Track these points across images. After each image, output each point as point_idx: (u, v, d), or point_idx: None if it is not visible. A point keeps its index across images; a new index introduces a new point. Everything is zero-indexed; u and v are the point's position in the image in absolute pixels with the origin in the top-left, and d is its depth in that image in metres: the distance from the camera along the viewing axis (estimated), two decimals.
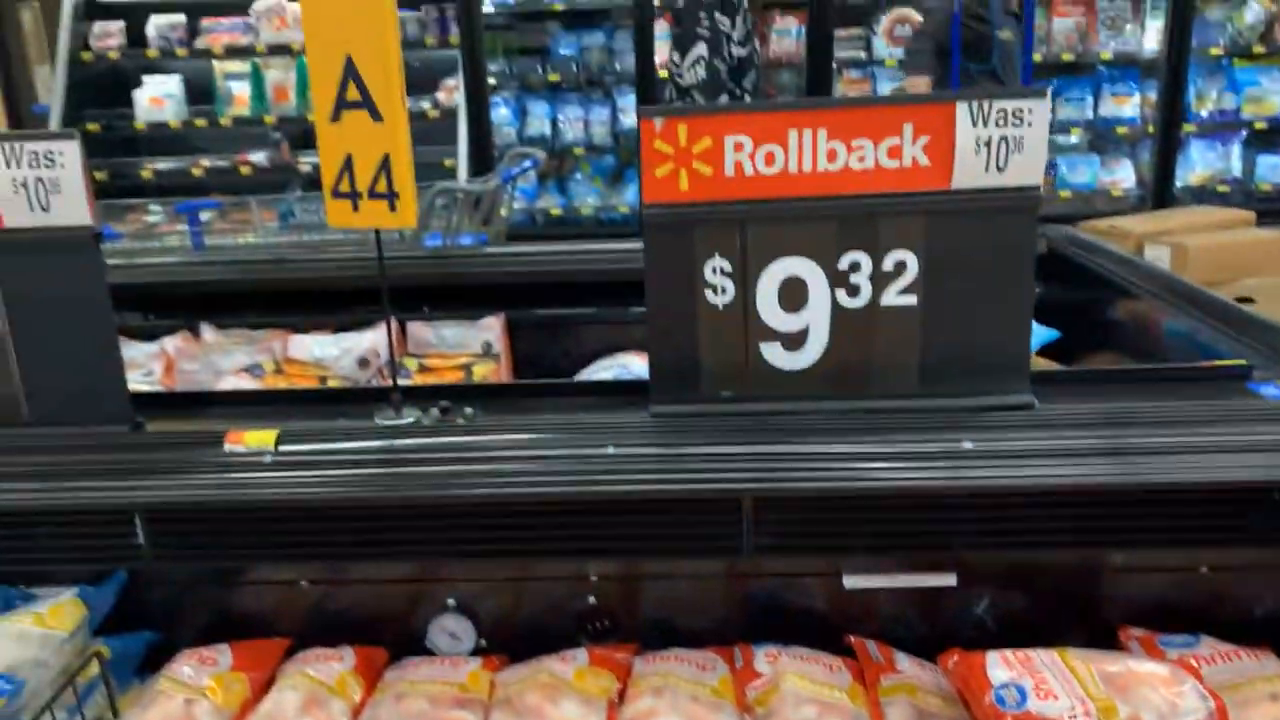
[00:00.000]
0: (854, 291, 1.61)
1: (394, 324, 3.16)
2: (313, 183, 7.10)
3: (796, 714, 1.39)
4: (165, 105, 7.37)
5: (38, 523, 1.62)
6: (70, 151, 1.59)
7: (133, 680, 1.62)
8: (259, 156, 7.33)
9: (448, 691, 1.51)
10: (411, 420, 1.69)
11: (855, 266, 1.60)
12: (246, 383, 2.70)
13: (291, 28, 7.25)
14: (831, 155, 1.56)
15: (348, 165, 1.54)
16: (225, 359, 2.95)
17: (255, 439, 1.60)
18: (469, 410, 1.71)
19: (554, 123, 7.36)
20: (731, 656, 1.59)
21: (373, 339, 3.03)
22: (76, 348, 1.68)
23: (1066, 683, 1.34)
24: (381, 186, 1.54)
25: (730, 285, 1.62)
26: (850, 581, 1.61)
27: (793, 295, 1.62)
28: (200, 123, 7.31)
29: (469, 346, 3.11)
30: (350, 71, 1.49)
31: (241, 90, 7.38)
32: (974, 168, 1.56)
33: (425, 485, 1.57)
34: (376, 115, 1.50)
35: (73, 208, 1.61)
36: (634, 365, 2.93)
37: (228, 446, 1.60)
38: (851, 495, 1.53)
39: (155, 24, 7.24)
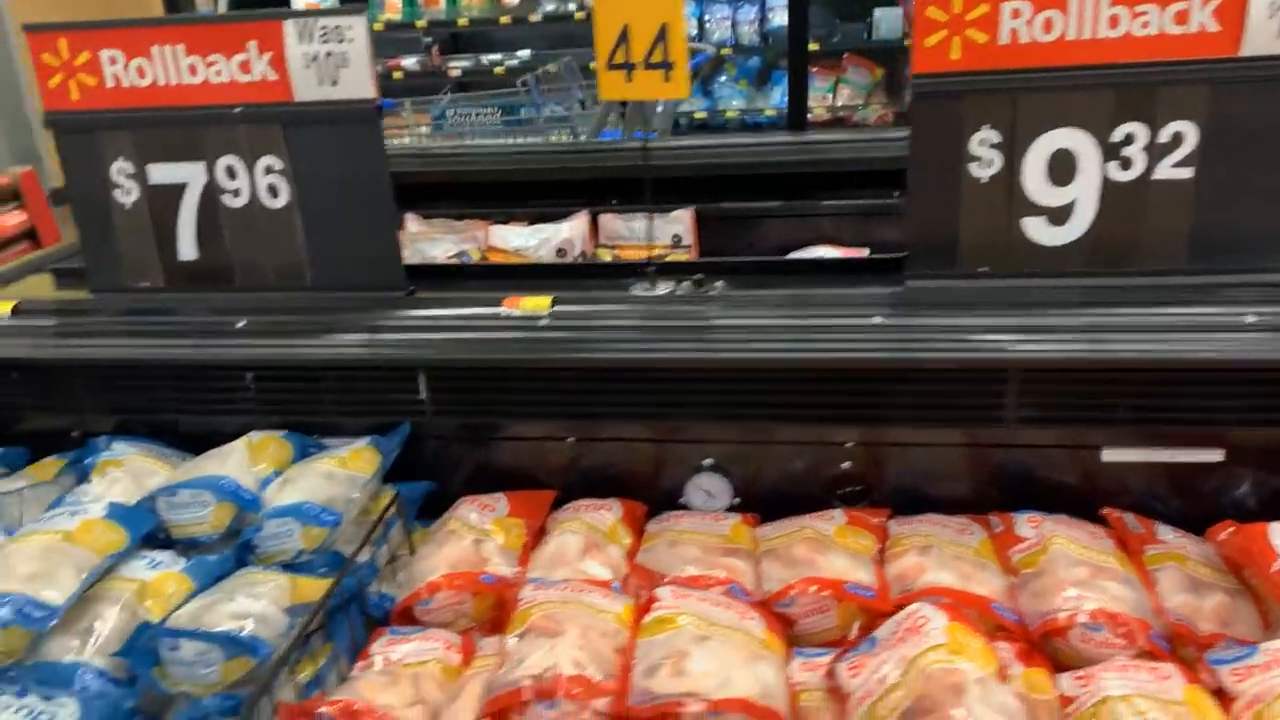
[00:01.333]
0: (1126, 164, 1.58)
1: (586, 216, 3.25)
2: (461, 86, 7.20)
3: (1068, 574, 1.43)
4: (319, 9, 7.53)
5: (328, 377, 1.76)
6: (358, 26, 1.67)
7: (414, 523, 1.76)
8: (410, 61, 7.46)
9: (715, 541, 1.60)
10: (667, 291, 1.75)
11: (1129, 138, 1.57)
12: None
13: None
14: (1113, 21, 1.53)
15: (624, 37, 1.58)
16: (432, 246, 3.07)
17: (531, 304, 1.69)
18: (720, 283, 1.76)
19: (700, 21, 7.24)
20: (988, 523, 1.63)
21: (568, 230, 3.10)
22: (357, 217, 1.78)
23: None
24: (657, 56, 1.58)
25: (997, 157, 1.61)
26: (1110, 455, 1.62)
27: (1061, 168, 1.60)
28: None
29: (659, 238, 3.16)
30: None
31: None
32: (1267, 32, 1.50)
33: (689, 349, 1.64)
34: None
35: (359, 81, 1.70)
36: (831, 255, 2.94)
37: (504, 310, 1.70)
38: (1120, 366, 1.53)
39: None
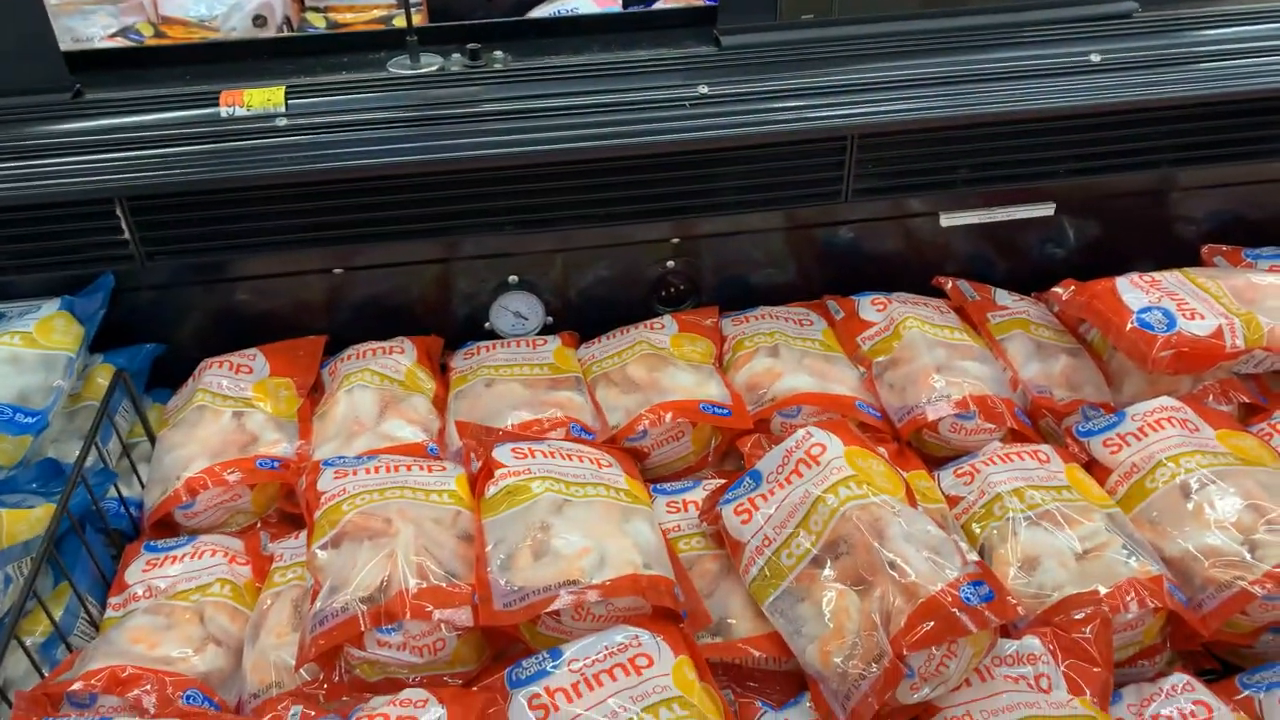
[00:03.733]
0: None
1: None
2: None
3: (930, 358, 1.32)
4: None
5: None
6: None
7: (147, 401, 1.38)
8: None
9: (539, 373, 1.35)
10: (435, 68, 1.39)
11: None
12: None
13: None
14: None
15: None
16: (84, 23, 2.41)
17: (259, 98, 1.28)
18: (499, 54, 1.41)
19: None
20: (826, 309, 1.48)
21: None
22: None
23: (1203, 301, 1.31)
24: None
25: None
26: (948, 220, 1.50)
27: None
28: None
29: None
30: None
31: None
32: None
33: (472, 144, 1.31)
34: None
35: None
36: (582, 4, 2.59)
37: (225, 110, 1.28)
38: (966, 123, 1.38)
39: None
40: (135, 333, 1.41)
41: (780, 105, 1.36)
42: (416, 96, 1.34)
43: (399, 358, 1.38)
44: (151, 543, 1.17)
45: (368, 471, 1.11)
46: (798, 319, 1.46)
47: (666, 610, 0.99)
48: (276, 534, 1.21)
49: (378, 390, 1.31)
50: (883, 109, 1.36)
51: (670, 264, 1.49)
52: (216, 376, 1.34)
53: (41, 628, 1.05)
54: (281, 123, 1.28)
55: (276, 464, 1.22)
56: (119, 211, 1.30)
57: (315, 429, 1.30)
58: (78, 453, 1.20)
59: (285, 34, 2.38)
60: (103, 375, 1.31)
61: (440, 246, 1.44)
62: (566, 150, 1.33)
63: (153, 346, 1.40)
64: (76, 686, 0.93)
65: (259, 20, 2.49)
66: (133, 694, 0.94)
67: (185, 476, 1.19)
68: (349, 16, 2.57)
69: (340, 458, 1.17)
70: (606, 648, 0.93)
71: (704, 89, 1.33)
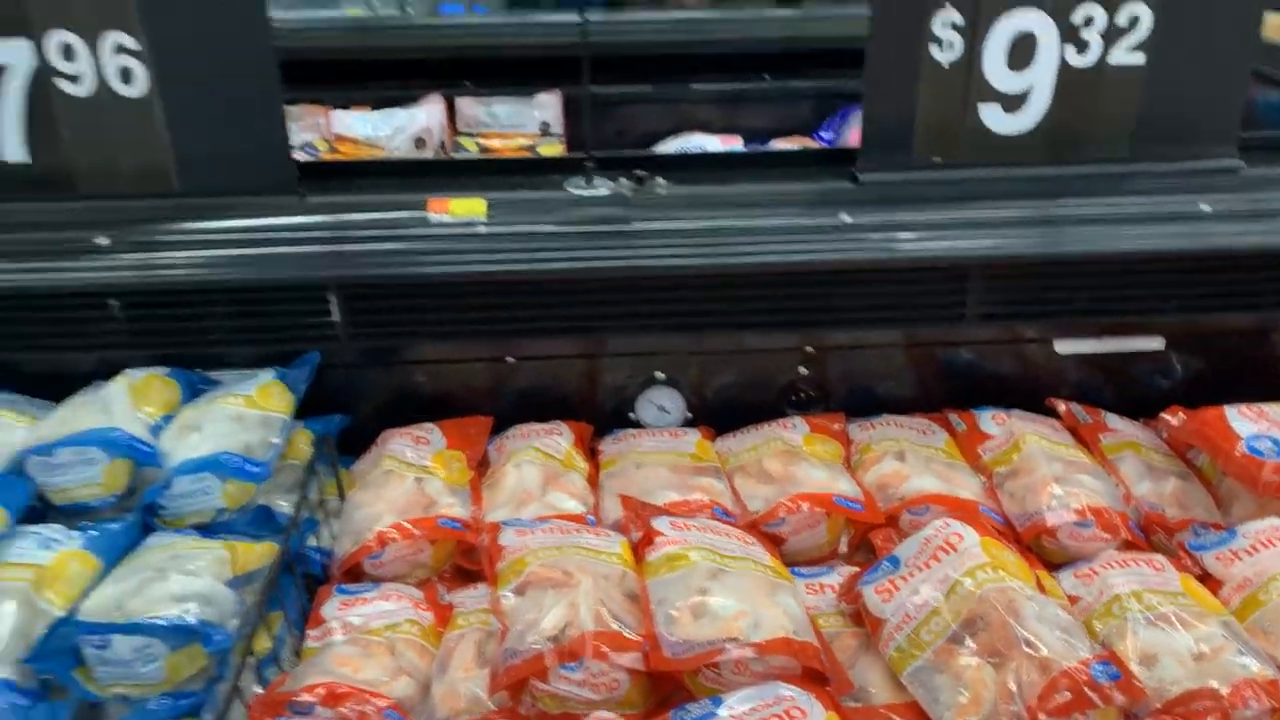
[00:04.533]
0: (1083, 48, 1.54)
1: (441, 101, 2.96)
2: None
3: (1048, 471, 1.43)
4: None
5: (217, 300, 1.50)
6: None
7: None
8: None
9: (683, 461, 1.49)
10: (607, 192, 1.59)
11: (1089, 21, 1.53)
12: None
13: None
14: None
15: None
16: None
17: (463, 208, 1.49)
18: (660, 180, 1.61)
19: None
20: (947, 422, 1.61)
21: (424, 116, 2.82)
22: (236, 105, 1.49)
23: None
24: None
25: (958, 40, 1.53)
26: (1062, 347, 1.63)
27: (1021, 52, 1.54)
28: None
29: (525, 126, 2.93)
30: None
31: None
32: None
33: (636, 255, 1.50)
34: None
35: None
36: (708, 143, 2.83)
37: (433, 215, 1.49)
38: (1078, 260, 1.52)
39: None
40: (326, 403, 1.60)
41: (910, 235, 1.52)
42: (592, 214, 1.53)
43: (558, 439, 1.54)
44: (343, 586, 1.32)
45: (544, 532, 1.25)
46: (920, 429, 1.58)
47: (815, 672, 1.09)
48: (451, 586, 1.35)
49: (541, 466, 1.47)
50: (1004, 243, 1.52)
51: (801, 371, 1.64)
52: (400, 446, 1.50)
53: (259, 648, 1.19)
54: (482, 230, 1.48)
55: (456, 524, 1.37)
56: (332, 298, 1.50)
57: (486, 497, 1.45)
58: (282, 502, 1.38)
59: (484, 156, 2.64)
60: (301, 439, 1.49)
61: (596, 343, 1.61)
62: (715, 265, 1.50)
63: (340, 417, 1.58)
64: (301, 697, 1.07)
65: (419, 142, 2.78)
66: (344, 707, 1.08)
67: (376, 530, 1.35)
68: (496, 143, 2.85)
69: (517, 520, 1.31)
70: (764, 700, 1.04)
71: (846, 217, 1.51)
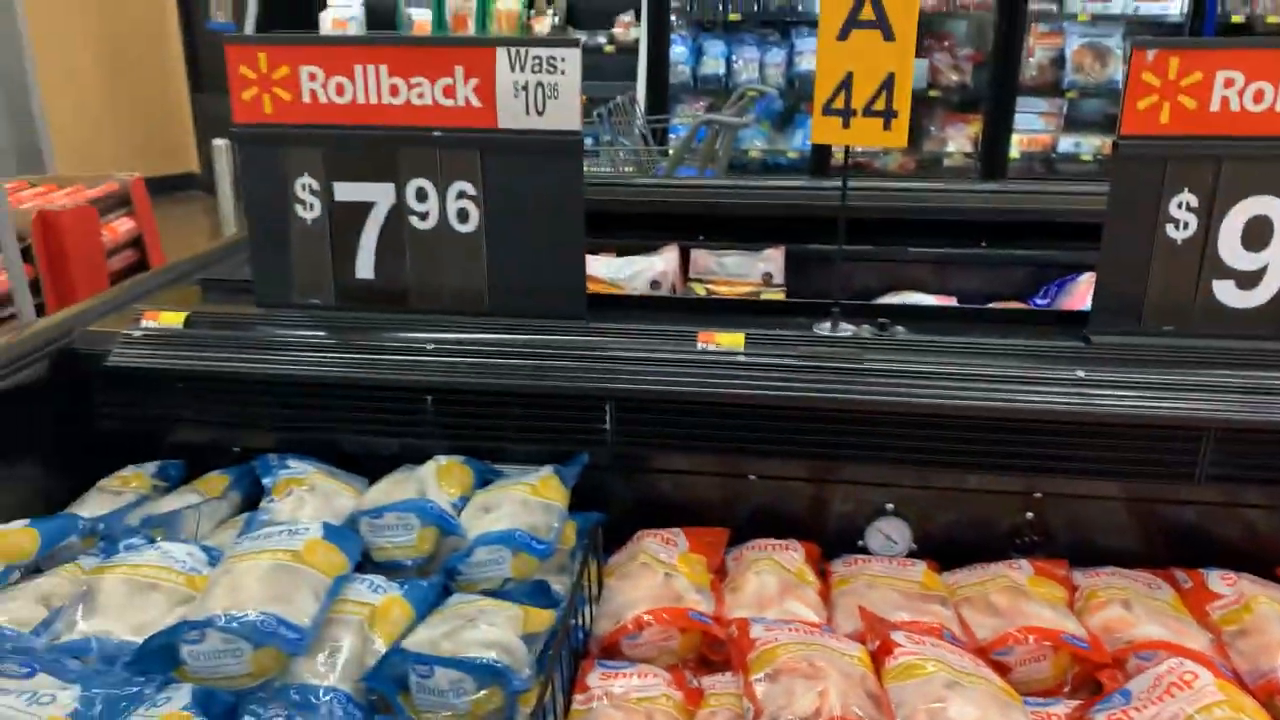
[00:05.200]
0: None
1: (676, 250, 3.27)
2: None
3: (1276, 631, 1.45)
4: (348, 27, 7.54)
5: (511, 403, 1.76)
6: (571, 59, 1.68)
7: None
8: None
9: (911, 587, 1.61)
10: (850, 333, 1.77)
11: None
12: None
13: None
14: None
15: (846, 83, 1.61)
16: None
17: (727, 340, 1.70)
18: (900, 328, 1.79)
19: (729, 62, 7.33)
20: (1173, 579, 1.65)
21: (661, 263, 3.12)
22: (546, 245, 1.79)
23: None
24: (880, 105, 1.60)
25: (1194, 221, 1.66)
26: None
27: (1256, 234, 1.65)
28: None
29: (750, 276, 3.18)
30: None
31: (423, 17, 7.51)
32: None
33: (876, 392, 1.66)
34: (889, 34, 1.56)
35: (566, 113, 1.71)
36: (927, 301, 2.98)
37: (701, 345, 1.71)
38: None
39: None
40: (586, 500, 1.81)
41: (1144, 394, 1.62)
42: (839, 353, 1.72)
43: (793, 554, 1.68)
44: (603, 660, 1.49)
45: (791, 630, 1.40)
46: (1146, 582, 1.64)
47: None
48: (696, 672, 1.50)
49: (779, 576, 1.61)
50: (1238, 408, 1.59)
51: (1028, 515, 1.73)
52: (652, 543, 1.69)
53: (531, 705, 1.37)
54: (741, 359, 1.69)
55: (704, 618, 1.53)
56: (607, 408, 1.73)
57: (728, 598, 1.61)
58: (552, 580, 1.58)
59: (745, 298, 2.88)
60: (569, 529, 1.70)
61: (831, 469, 1.76)
62: (950, 406, 1.64)
63: (598, 515, 1.78)
64: None
65: (655, 285, 3.07)
66: None
67: (634, 614, 1.52)
68: (724, 289, 3.11)
69: (763, 618, 1.46)
70: None
71: (1080, 372, 1.63)
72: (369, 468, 1.78)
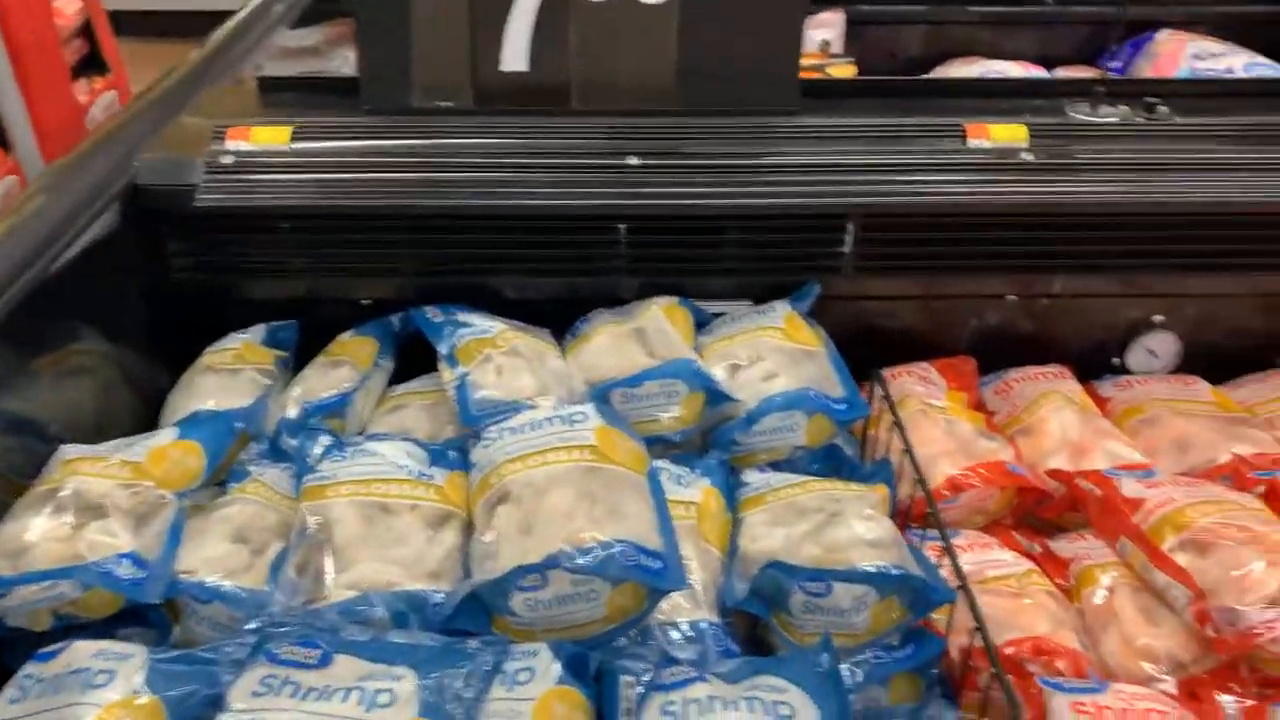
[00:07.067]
0: None
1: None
2: None
3: None
4: None
5: (728, 229, 1.42)
6: None
7: None
8: None
9: (1212, 409, 1.42)
10: (1116, 119, 1.49)
11: None
12: None
13: None
14: None
15: None
16: None
17: (1005, 134, 1.39)
18: (1164, 109, 1.51)
19: None
20: None
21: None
22: (755, 17, 1.39)
23: None
24: None
25: None
26: None
27: None
28: None
29: (806, 46, 2.80)
30: None
31: None
32: None
33: (1167, 191, 1.41)
34: None
35: None
36: (1008, 69, 2.70)
37: (973, 142, 1.39)
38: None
39: None
40: None
41: None
42: (1115, 146, 1.44)
43: (1071, 384, 1.46)
44: (911, 528, 1.26)
45: (1171, 484, 1.19)
46: None
47: None
48: (1024, 535, 1.29)
49: (1076, 412, 1.40)
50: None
51: None
52: (911, 384, 1.43)
53: None
54: (1024, 156, 1.39)
55: (1023, 470, 1.30)
56: (848, 227, 1.42)
57: (1023, 443, 1.38)
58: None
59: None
60: None
61: (1102, 279, 1.52)
62: (1245, 203, 1.41)
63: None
64: (1009, 652, 1.02)
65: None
66: (1052, 664, 1.03)
67: (947, 474, 1.28)
68: None
69: (1126, 471, 1.25)
70: None
71: None
72: (534, 315, 1.43)
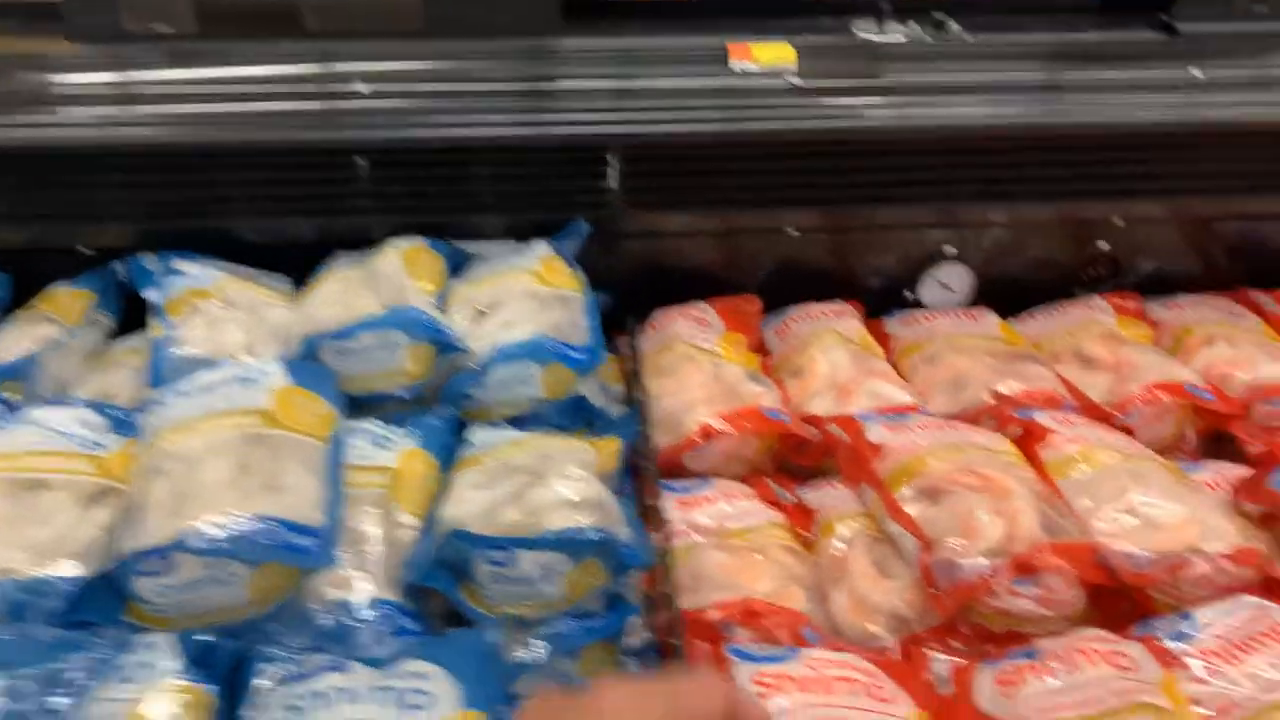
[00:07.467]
0: None
1: None
2: None
3: None
4: None
5: (476, 161, 1.31)
6: None
7: None
8: None
9: (997, 345, 1.36)
10: (903, 39, 1.39)
11: None
12: None
13: None
14: None
15: None
16: None
17: (769, 55, 1.29)
18: (955, 26, 1.42)
19: None
20: (1252, 302, 1.48)
21: None
22: None
23: None
24: None
25: None
26: None
27: None
28: None
29: None
30: None
31: None
32: None
33: (951, 115, 1.33)
34: None
35: None
36: None
37: (735, 64, 1.29)
38: None
39: None
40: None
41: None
42: (896, 65, 1.35)
43: (850, 321, 1.40)
44: (669, 483, 1.18)
45: (920, 428, 1.13)
46: (1225, 309, 1.46)
47: (1273, 582, 1.00)
48: (779, 482, 1.22)
49: (848, 351, 1.33)
50: None
51: (1101, 246, 1.50)
52: (685, 327, 1.35)
53: None
54: (791, 80, 1.29)
55: (782, 415, 1.23)
56: (610, 160, 1.31)
57: (792, 385, 1.31)
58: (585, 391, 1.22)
59: None
60: None
61: (886, 210, 1.44)
62: (1041, 125, 1.34)
63: (606, 295, 1.41)
64: (718, 619, 0.95)
65: None
66: (763, 626, 0.96)
67: (700, 422, 1.20)
68: None
69: (871, 414, 1.18)
70: (1240, 614, 0.94)
71: (1197, 73, 1.34)
72: (280, 261, 1.32)
